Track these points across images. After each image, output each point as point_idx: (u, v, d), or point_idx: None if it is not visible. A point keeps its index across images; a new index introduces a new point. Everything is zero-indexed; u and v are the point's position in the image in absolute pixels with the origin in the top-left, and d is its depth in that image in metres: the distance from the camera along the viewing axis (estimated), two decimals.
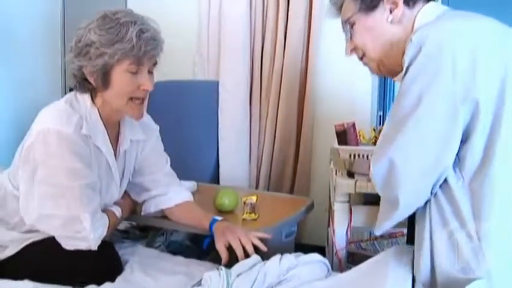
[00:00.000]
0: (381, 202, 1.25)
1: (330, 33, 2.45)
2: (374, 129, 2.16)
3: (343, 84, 2.48)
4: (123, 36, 1.35)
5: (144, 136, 1.63)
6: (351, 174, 1.59)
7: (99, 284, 1.39)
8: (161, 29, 1.49)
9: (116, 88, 1.40)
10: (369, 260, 1.33)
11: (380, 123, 2.62)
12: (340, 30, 2.41)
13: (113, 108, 1.45)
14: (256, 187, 2.56)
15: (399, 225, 1.29)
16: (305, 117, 2.48)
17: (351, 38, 1.31)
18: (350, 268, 1.41)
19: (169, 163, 1.72)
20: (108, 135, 1.50)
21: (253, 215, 1.71)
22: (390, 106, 2.70)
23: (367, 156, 1.83)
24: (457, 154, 1.11)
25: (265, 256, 1.41)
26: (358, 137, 2.04)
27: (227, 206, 1.75)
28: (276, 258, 1.36)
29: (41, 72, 2.88)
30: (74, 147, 1.37)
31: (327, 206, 2.21)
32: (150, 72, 1.45)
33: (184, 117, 2.56)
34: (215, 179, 2.54)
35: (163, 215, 1.70)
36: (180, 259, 1.59)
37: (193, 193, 1.77)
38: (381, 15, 1.24)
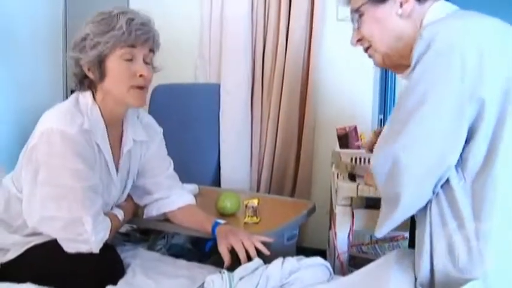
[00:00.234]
0: (382, 203, 1.25)
1: (331, 35, 2.47)
2: (375, 132, 2.16)
3: (345, 86, 2.48)
4: (114, 25, 1.39)
5: (147, 137, 1.63)
6: (352, 178, 1.59)
7: (101, 287, 1.39)
8: (163, 32, 1.51)
9: (113, 76, 1.42)
10: (371, 264, 1.33)
11: (381, 127, 2.62)
12: (341, 33, 2.44)
13: (115, 98, 1.45)
14: (257, 190, 2.56)
15: (400, 228, 1.30)
16: (306, 119, 2.48)
17: (358, 28, 1.31)
18: (352, 271, 1.41)
19: (172, 166, 1.72)
20: (109, 136, 1.50)
21: (255, 218, 1.71)
22: (391, 109, 2.70)
23: (369, 160, 1.83)
24: (460, 154, 1.11)
25: (267, 259, 1.41)
26: (359, 140, 2.05)
27: (229, 209, 1.75)
28: (278, 261, 1.37)
29: (43, 74, 2.88)
30: (78, 148, 1.38)
31: (328, 209, 2.21)
32: (148, 63, 1.47)
33: (186, 120, 2.57)
34: (216, 181, 2.54)
35: (165, 218, 1.70)
36: (182, 262, 1.59)
37: (195, 196, 1.77)
38: (390, 8, 1.24)
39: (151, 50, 1.48)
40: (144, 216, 1.70)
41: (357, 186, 1.49)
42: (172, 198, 1.67)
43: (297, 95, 2.47)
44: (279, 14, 2.46)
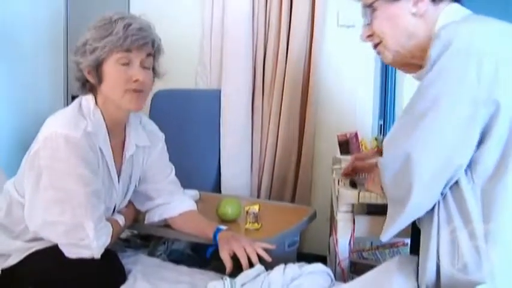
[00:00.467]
0: (388, 206, 1.25)
1: (332, 41, 2.48)
2: (376, 139, 2.17)
3: (345, 92, 2.49)
4: (112, 30, 1.40)
5: (149, 142, 1.63)
6: (353, 184, 1.59)
7: None
8: (164, 38, 1.52)
9: (109, 80, 1.43)
10: (373, 270, 1.33)
11: (381, 132, 2.62)
12: (342, 39, 2.46)
13: (113, 102, 1.46)
14: (258, 196, 2.56)
15: (401, 234, 1.29)
16: (307, 125, 2.48)
17: (369, 23, 1.31)
18: (353, 278, 1.41)
19: (173, 172, 1.72)
20: (111, 140, 1.50)
21: (256, 224, 1.71)
22: (391, 115, 2.71)
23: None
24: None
25: (268, 266, 1.41)
26: (360, 147, 2.05)
27: (230, 215, 1.75)
28: (279, 268, 1.37)
29: (44, 78, 2.88)
30: (82, 153, 1.38)
31: (328, 216, 2.21)
32: (146, 67, 1.47)
33: (186, 126, 2.57)
34: (216, 187, 2.54)
35: (166, 224, 1.70)
36: (183, 268, 1.59)
37: (196, 202, 1.77)
38: (404, 5, 1.24)
39: (150, 55, 1.48)
40: (146, 222, 1.70)
41: (358, 193, 1.49)
42: (174, 204, 1.67)
43: (298, 101, 2.48)
44: (279, 20, 2.47)
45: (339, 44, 2.47)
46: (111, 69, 1.42)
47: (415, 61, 1.26)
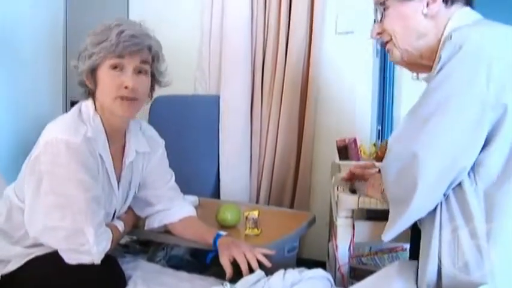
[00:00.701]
0: (390, 206, 1.26)
1: (330, 48, 2.49)
2: (374, 145, 2.18)
3: (343, 98, 2.50)
4: (107, 36, 1.42)
5: (149, 148, 1.64)
6: (353, 190, 1.59)
7: None
8: (162, 44, 1.53)
9: (102, 85, 1.45)
10: (372, 276, 1.33)
11: (379, 138, 2.63)
12: (340, 46, 2.47)
13: (106, 108, 1.47)
14: (257, 201, 2.57)
15: (400, 239, 1.30)
16: (305, 131, 2.49)
17: (380, 20, 1.32)
18: (353, 283, 1.41)
19: (173, 178, 1.72)
20: (111, 146, 1.51)
21: (255, 230, 1.72)
22: (389, 121, 2.72)
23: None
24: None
25: (268, 271, 1.41)
26: (359, 152, 2.06)
27: (229, 221, 1.75)
28: (279, 273, 1.37)
29: (43, 83, 2.89)
30: (82, 158, 1.38)
31: (327, 221, 2.21)
32: (141, 74, 1.47)
33: (185, 131, 2.58)
34: (216, 192, 2.55)
35: (166, 230, 1.70)
36: (183, 274, 1.59)
37: (195, 208, 1.77)
38: (417, 5, 1.26)
39: (146, 62, 1.47)
40: (145, 228, 1.70)
41: (358, 198, 1.49)
42: (174, 210, 1.68)
43: (296, 106, 2.49)
44: (278, 26, 2.48)
45: (337, 50, 2.49)
46: (104, 74, 1.44)
47: (423, 61, 1.28)
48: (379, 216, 1.44)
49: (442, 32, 1.24)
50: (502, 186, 1.10)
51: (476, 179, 1.13)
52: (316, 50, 2.45)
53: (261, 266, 1.44)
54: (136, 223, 1.72)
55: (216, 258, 1.51)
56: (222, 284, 1.33)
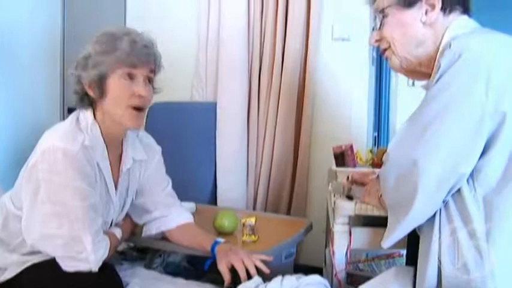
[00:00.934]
0: (389, 213, 1.26)
1: (327, 54, 2.50)
2: (371, 151, 2.19)
3: (340, 104, 2.50)
4: (117, 45, 1.42)
5: (146, 156, 1.64)
6: (349, 197, 1.60)
7: None
8: (160, 54, 1.53)
9: (113, 95, 1.44)
10: (370, 281, 1.34)
11: (375, 144, 2.64)
12: (336, 52, 2.48)
13: (113, 118, 1.47)
14: (254, 208, 2.57)
15: (397, 245, 1.30)
16: (302, 137, 2.50)
17: (379, 28, 1.34)
18: None
19: (170, 185, 1.73)
20: (109, 154, 1.51)
21: (253, 236, 1.72)
22: (385, 127, 2.73)
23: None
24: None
25: (266, 278, 1.41)
26: (355, 159, 2.07)
27: (227, 227, 1.75)
28: (277, 279, 1.37)
29: (40, 91, 2.89)
30: (79, 166, 1.38)
31: (324, 228, 2.22)
32: (147, 82, 1.48)
33: (182, 138, 2.57)
34: (213, 199, 2.55)
35: (163, 237, 1.70)
36: (180, 281, 1.59)
37: (192, 214, 1.77)
38: (416, 13, 1.27)
39: (152, 71, 1.50)
40: (143, 235, 1.70)
41: (355, 204, 1.50)
42: (171, 216, 1.68)
43: (293, 113, 2.49)
44: (274, 33, 2.49)
45: (334, 57, 2.50)
46: (115, 83, 1.43)
47: (422, 69, 1.29)
48: (376, 222, 1.45)
49: (440, 39, 1.25)
50: (501, 192, 1.11)
51: (475, 186, 1.14)
52: (312, 56, 2.46)
53: (259, 272, 1.44)
54: (133, 230, 1.72)
55: (213, 265, 1.51)
56: None
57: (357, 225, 1.57)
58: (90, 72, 1.43)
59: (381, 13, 1.32)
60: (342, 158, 2.06)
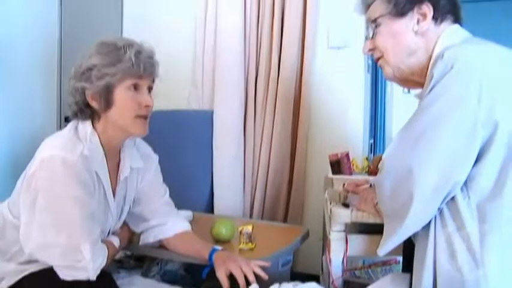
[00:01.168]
0: (385, 221, 1.27)
1: (322, 63, 2.52)
2: (367, 159, 2.20)
3: (336, 113, 2.52)
4: (122, 57, 1.43)
5: (143, 164, 1.65)
6: (346, 205, 1.61)
7: None
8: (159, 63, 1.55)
9: (119, 106, 1.45)
10: None
11: (371, 152, 2.66)
12: (332, 60, 2.50)
13: (119, 127, 1.48)
14: (250, 216, 2.57)
15: (393, 252, 1.31)
16: (298, 145, 2.51)
17: (372, 37, 1.35)
18: None
19: (168, 193, 1.73)
20: (107, 163, 1.52)
21: (250, 244, 1.72)
22: (381, 135, 2.75)
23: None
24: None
25: (263, 285, 1.42)
26: (351, 167, 2.08)
27: (224, 235, 1.76)
28: (274, 287, 1.37)
29: (37, 101, 2.90)
30: (78, 175, 1.39)
31: (321, 235, 2.22)
32: (149, 90, 1.51)
33: (179, 146, 2.58)
34: (209, 207, 2.55)
35: (161, 245, 1.70)
36: None
37: (190, 222, 1.77)
38: (407, 23, 1.29)
39: (153, 80, 1.53)
40: (141, 243, 1.70)
41: (351, 212, 1.50)
42: (169, 225, 1.68)
43: (289, 121, 2.51)
44: (270, 42, 2.51)
45: (330, 65, 2.51)
46: (122, 95, 1.44)
47: (414, 77, 1.31)
48: (372, 229, 1.46)
49: (432, 49, 1.27)
50: (494, 200, 1.12)
51: (469, 193, 1.15)
52: (308, 65, 2.47)
53: (257, 279, 1.45)
54: (131, 238, 1.72)
55: (211, 272, 1.51)
56: None
57: (353, 232, 1.58)
58: (95, 84, 1.43)
59: (374, 23, 1.35)
60: (338, 165, 2.07)
